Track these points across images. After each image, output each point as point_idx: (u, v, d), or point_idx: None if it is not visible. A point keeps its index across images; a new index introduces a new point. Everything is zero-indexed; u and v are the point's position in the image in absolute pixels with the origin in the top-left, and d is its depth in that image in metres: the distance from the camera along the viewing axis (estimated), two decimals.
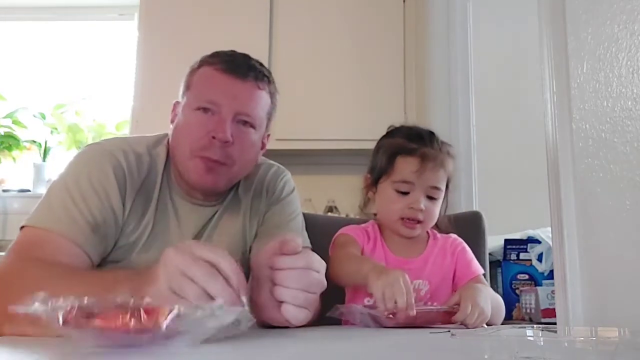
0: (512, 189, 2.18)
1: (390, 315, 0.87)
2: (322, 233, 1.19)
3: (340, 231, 1.20)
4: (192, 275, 0.61)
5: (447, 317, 0.91)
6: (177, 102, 1.06)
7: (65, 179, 0.94)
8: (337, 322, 1.03)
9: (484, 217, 1.42)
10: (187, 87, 1.04)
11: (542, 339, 0.45)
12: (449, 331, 0.73)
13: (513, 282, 1.86)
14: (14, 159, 2.99)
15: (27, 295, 0.76)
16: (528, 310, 1.69)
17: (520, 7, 2.25)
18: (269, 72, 1.06)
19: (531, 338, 0.49)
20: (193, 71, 1.04)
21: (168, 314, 0.47)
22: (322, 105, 2.54)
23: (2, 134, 2.96)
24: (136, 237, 0.97)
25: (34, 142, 2.98)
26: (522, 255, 1.87)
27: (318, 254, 0.77)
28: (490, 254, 1.62)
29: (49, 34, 3.24)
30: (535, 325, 0.58)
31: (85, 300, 0.47)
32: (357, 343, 0.67)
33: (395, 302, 0.86)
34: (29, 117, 3.03)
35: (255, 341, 0.65)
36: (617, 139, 0.86)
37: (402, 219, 1.12)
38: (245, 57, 1.04)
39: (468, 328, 0.89)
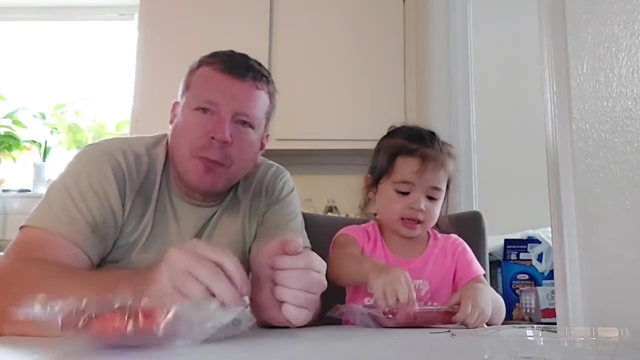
0: (512, 189, 2.18)
1: (390, 315, 0.87)
2: (322, 233, 1.19)
3: (340, 231, 1.20)
4: (196, 274, 0.61)
5: (447, 317, 0.91)
6: (176, 103, 1.06)
7: (64, 179, 0.95)
8: (337, 322, 1.03)
9: (484, 217, 1.42)
10: (186, 87, 1.04)
11: (542, 339, 0.45)
12: (449, 331, 0.73)
13: (513, 282, 1.86)
14: (14, 159, 2.99)
15: (27, 295, 0.76)
16: (528, 310, 1.69)
17: (520, 7, 2.25)
18: (268, 72, 1.06)
19: (531, 338, 0.49)
20: (192, 71, 1.04)
21: (165, 316, 0.47)
22: (322, 105, 2.54)
23: (2, 134, 2.96)
24: (135, 238, 0.97)
25: (34, 142, 2.98)
26: (522, 255, 1.87)
27: (318, 254, 0.77)
28: (490, 254, 1.62)
29: (49, 34, 3.24)
30: (535, 325, 0.57)
31: (84, 303, 0.47)
32: (357, 343, 0.67)
33: (397, 299, 0.87)
34: (29, 117, 3.03)
35: (255, 341, 0.65)
36: (617, 139, 0.86)
37: (403, 219, 1.12)
38: (244, 57, 1.04)
39: (468, 328, 0.89)
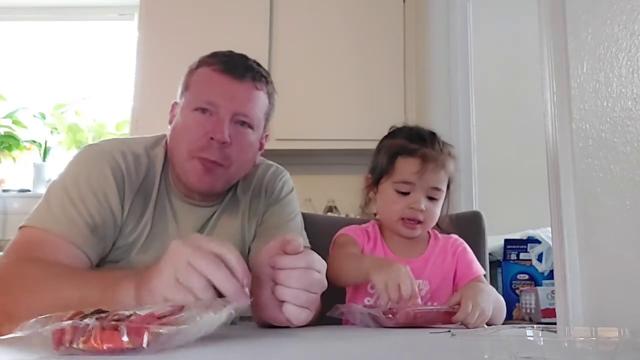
0: (512, 189, 2.18)
1: (390, 315, 0.87)
2: (322, 233, 1.19)
3: (340, 231, 1.20)
4: (197, 265, 0.61)
5: (447, 318, 0.91)
6: (175, 103, 1.06)
7: (64, 180, 0.95)
8: (337, 322, 1.03)
9: (484, 217, 1.42)
10: (185, 87, 1.04)
11: (542, 339, 0.45)
12: (449, 331, 0.73)
13: (513, 282, 1.86)
14: (14, 159, 2.99)
15: (27, 295, 0.76)
16: (528, 310, 1.69)
17: (520, 7, 2.25)
18: (267, 73, 1.06)
19: (531, 338, 0.49)
20: (191, 72, 1.04)
21: (152, 330, 0.47)
22: (322, 105, 2.54)
23: (2, 134, 2.96)
24: (135, 238, 0.98)
25: (34, 142, 2.98)
26: (522, 255, 1.87)
27: (318, 254, 0.77)
28: (490, 254, 1.62)
29: (49, 34, 3.24)
30: (535, 325, 0.57)
31: (69, 320, 0.48)
32: (357, 343, 0.67)
33: (400, 294, 0.87)
34: (29, 117, 3.03)
35: (255, 341, 0.65)
36: (617, 139, 0.86)
37: (403, 219, 1.12)
38: (243, 58, 1.04)
39: (468, 328, 0.89)
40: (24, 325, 0.48)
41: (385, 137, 1.21)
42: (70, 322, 0.47)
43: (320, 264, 0.75)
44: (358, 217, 1.41)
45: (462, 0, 2.23)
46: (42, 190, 2.76)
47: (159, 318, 0.50)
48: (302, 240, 0.76)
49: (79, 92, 3.11)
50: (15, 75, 3.18)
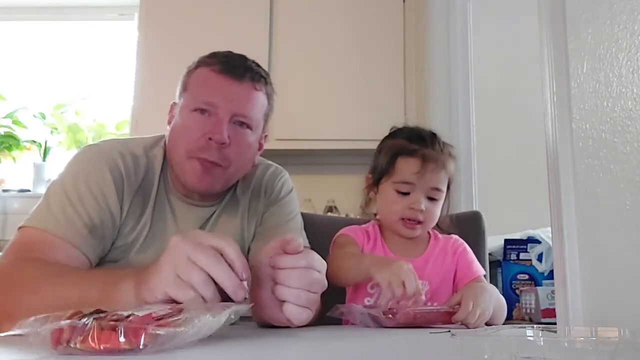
0: (512, 189, 2.19)
1: (390, 315, 0.87)
2: (321, 233, 1.19)
3: (340, 232, 1.20)
4: (197, 260, 0.61)
5: (447, 318, 0.91)
6: (174, 103, 1.06)
7: (63, 180, 0.95)
8: (337, 322, 1.03)
9: (484, 217, 1.42)
10: (184, 88, 1.04)
11: (542, 339, 0.45)
12: (449, 331, 0.73)
13: (513, 282, 1.86)
14: (14, 159, 2.99)
15: (26, 294, 0.76)
16: (528, 310, 1.69)
17: (520, 7, 2.25)
18: (266, 73, 1.06)
19: (531, 338, 0.49)
20: (190, 72, 1.04)
21: (149, 331, 0.47)
22: (322, 105, 2.54)
23: (2, 134, 2.96)
24: (134, 238, 0.98)
25: (34, 142, 2.98)
26: (522, 255, 1.87)
27: (318, 254, 0.77)
28: (490, 254, 1.62)
29: (49, 34, 3.24)
30: (535, 325, 0.57)
31: (67, 319, 0.48)
32: (357, 343, 0.67)
33: (404, 290, 0.87)
34: (29, 117, 3.03)
35: (255, 341, 0.65)
36: (617, 139, 0.86)
37: (403, 219, 1.12)
38: (242, 58, 1.04)
39: (469, 328, 0.89)
40: (23, 324, 0.48)
41: (386, 137, 1.21)
42: (68, 321, 0.47)
43: (320, 263, 0.75)
44: (358, 217, 1.41)
45: (462, 0, 2.23)
46: (42, 190, 2.76)
47: (158, 319, 0.50)
48: (302, 240, 0.76)
49: (79, 92, 3.11)
50: (15, 75, 3.18)
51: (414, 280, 0.90)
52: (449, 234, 1.22)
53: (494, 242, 1.81)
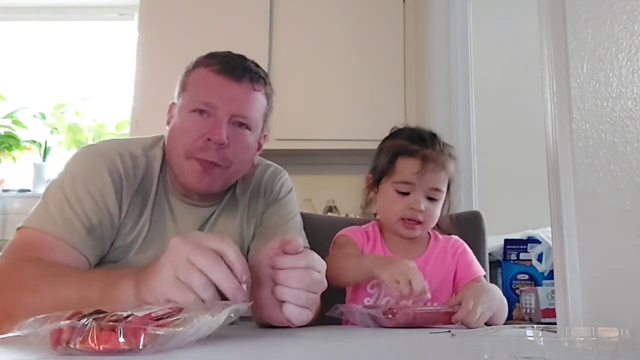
0: (512, 189, 2.19)
1: (390, 316, 0.87)
2: (321, 233, 1.19)
3: (339, 232, 1.20)
4: (197, 262, 0.61)
5: (447, 318, 0.91)
6: (173, 104, 1.06)
7: (61, 181, 0.95)
8: (337, 322, 1.03)
9: (484, 217, 1.42)
10: (183, 88, 1.04)
11: (542, 339, 0.45)
12: (449, 331, 0.73)
13: (513, 282, 1.86)
14: (14, 159, 2.99)
15: (26, 295, 0.76)
16: (528, 310, 1.69)
17: (520, 7, 2.25)
18: (265, 74, 1.06)
19: (531, 338, 0.49)
20: (188, 72, 1.04)
21: (149, 332, 0.47)
22: (322, 105, 2.54)
23: (2, 134, 2.96)
24: (133, 238, 0.98)
25: (34, 142, 2.98)
26: (522, 255, 1.87)
27: (318, 254, 0.77)
28: (490, 254, 1.62)
29: (49, 34, 3.24)
30: (535, 325, 0.57)
31: (67, 320, 0.48)
32: (357, 343, 0.67)
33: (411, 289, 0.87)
34: (29, 117, 3.03)
35: (255, 341, 0.65)
36: (617, 139, 0.86)
37: (402, 219, 1.12)
38: (241, 58, 1.04)
39: (469, 327, 0.89)
40: (22, 325, 0.48)
41: (386, 137, 1.22)
42: (68, 322, 0.47)
43: (320, 263, 0.75)
44: (358, 217, 1.41)
45: (462, 1, 2.23)
46: (42, 190, 2.74)
47: (157, 319, 0.50)
48: (302, 240, 0.76)
49: (79, 92, 3.11)
50: (15, 75, 3.18)
51: (421, 279, 0.90)
52: (449, 234, 1.22)
53: (494, 242, 1.81)
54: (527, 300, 1.70)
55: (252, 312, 0.83)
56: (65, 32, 3.24)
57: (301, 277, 0.72)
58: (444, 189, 1.14)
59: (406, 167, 1.11)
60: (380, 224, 1.20)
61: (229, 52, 1.04)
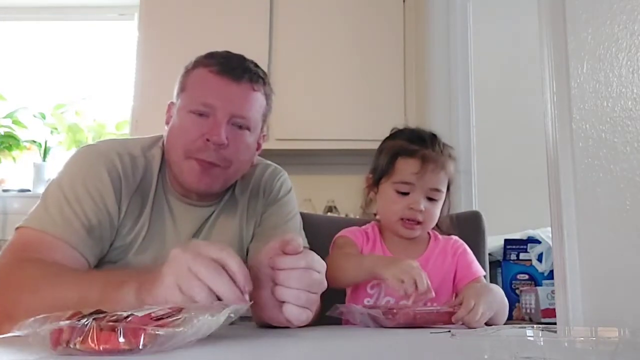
0: (512, 189, 2.19)
1: (390, 316, 0.87)
2: (321, 233, 1.19)
3: (339, 233, 1.20)
4: (198, 272, 0.61)
5: (447, 318, 0.91)
6: (172, 103, 1.06)
7: (60, 181, 0.95)
8: (337, 322, 1.03)
9: (484, 217, 1.42)
10: (182, 88, 1.03)
11: (542, 339, 0.45)
12: (449, 331, 0.73)
13: (513, 282, 1.86)
14: (14, 159, 2.99)
15: (26, 295, 0.76)
16: (528, 310, 1.69)
17: (520, 7, 2.25)
18: (265, 74, 1.06)
19: (531, 338, 0.49)
20: (187, 72, 1.04)
21: (149, 332, 0.47)
22: (322, 105, 2.54)
23: (2, 134, 2.96)
24: (132, 238, 0.97)
25: (34, 142, 2.98)
26: (522, 255, 1.87)
27: (318, 255, 0.77)
28: (490, 254, 1.62)
29: (49, 34, 3.24)
30: (535, 325, 0.57)
31: (67, 320, 0.48)
32: (357, 343, 0.67)
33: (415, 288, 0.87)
34: (29, 117, 3.03)
35: (255, 341, 0.65)
36: (617, 139, 0.86)
37: (402, 219, 1.12)
38: (240, 59, 1.03)
39: (470, 327, 0.89)
40: (22, 325, 0.48)
41: (386, 138, 1.22)
42: (68, 322, 0.47)
43: (320, 264, 0.75)
44: (358, 217, 1.41)
45: (462, 1, 2.23)
46: (42, 190, 2.75)
47: (157, 319, 0.50)
48: (302, 240, 0.75)
49: (79, 92, 3.11)
50: (15, 75, 3.18)
51: (425, 278, 0.90)
52: (449, 234, 1.22)
53: (494, 242, 1.81)
54: (527, 300, 1.70)
55: (252, 313, 0.83)
56: (65, 32, 3.24)
57: (301, 278, 0.72)
58: (444, 190, 1.14)
59: (406, 168, 1.11)
60: (380, 225, 1.20)
61: (228, 52, 1.04)
